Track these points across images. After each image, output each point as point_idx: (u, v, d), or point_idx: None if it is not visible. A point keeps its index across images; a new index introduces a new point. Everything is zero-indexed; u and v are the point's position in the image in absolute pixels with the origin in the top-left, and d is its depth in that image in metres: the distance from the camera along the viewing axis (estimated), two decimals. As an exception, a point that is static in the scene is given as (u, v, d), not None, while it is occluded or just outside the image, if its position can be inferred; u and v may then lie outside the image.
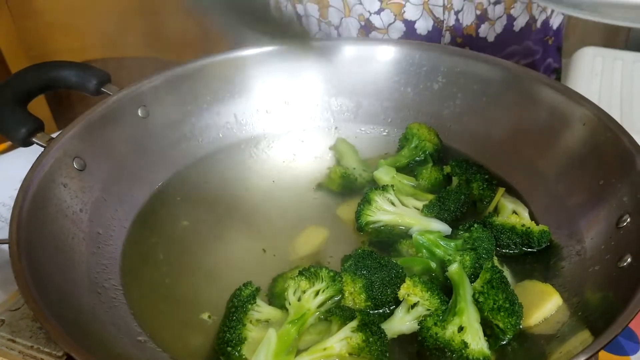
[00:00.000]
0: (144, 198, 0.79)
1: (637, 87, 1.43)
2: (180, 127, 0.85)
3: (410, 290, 0.61)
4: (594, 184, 0.70)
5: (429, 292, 0.61)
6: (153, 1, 1.50)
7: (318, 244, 0.73)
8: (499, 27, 1.04)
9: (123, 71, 0.87)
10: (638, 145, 0.67)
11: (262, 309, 0.63)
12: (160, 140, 0.83)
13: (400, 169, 0.82)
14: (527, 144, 0.80)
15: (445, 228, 0.71)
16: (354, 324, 0.59)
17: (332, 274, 0.64)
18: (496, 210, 0.75)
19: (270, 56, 0.88)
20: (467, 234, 0.67)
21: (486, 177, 0.77)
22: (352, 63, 0.90)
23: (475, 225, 0.68)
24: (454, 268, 0.63)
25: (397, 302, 0.63)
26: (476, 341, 0.57)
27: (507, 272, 0.68)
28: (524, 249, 0.70)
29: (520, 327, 0.61)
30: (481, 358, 0.57)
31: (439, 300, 0.61)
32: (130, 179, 0.78)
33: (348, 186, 0.80)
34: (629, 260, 0.59)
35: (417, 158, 0.83)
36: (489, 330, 0.60)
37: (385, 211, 0.73)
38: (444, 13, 0.99)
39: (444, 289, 0.64)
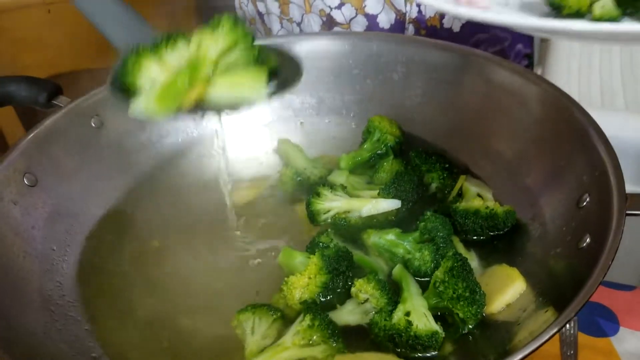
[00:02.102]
0: (101, 210, 0.77)
1: (615, 65, 1.43)
2: (136, 135, 0.84)
3: (362, 288, 0.61)
4: (555, 165, 0.69)
5: (379, 291, 0.60)
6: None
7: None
8: None
9: (94, 83, 0.86)
10: (595, 122, 0.66)
11: (183, 55, 0.59)
12: (117, 150, 0.81)
13: (362, 163, 0.82)
14: (488, 128, 0.79)
15: (394, 203, 0.71)
16: (300, 318, 0.59)
17: None
18: (461, 195, 0.74)
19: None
20: (422, 224, 0.66)
21: (446, 166, 0.75)
22: (310, 59, 0.88)
23: (428, 214, 0.67)
24: (395, 270, 0.65)
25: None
26: (422, 321, 0.57)
27: (474, 258, 0.67)
28: (490, 232, 0.69)
29: (482, 315, 0.60)
30: (429, 333, 0.57)
31: (386, 300, 0.60)
32: (86, 192, 0.76)
33: (303, 185, 0.80)
34: (588, 240, 0.58)
35: (379, 151, 0.82)
36: (451, 319, 0.60)
37: (334, 199, 0.73)
38: (405, 5, 0.97)
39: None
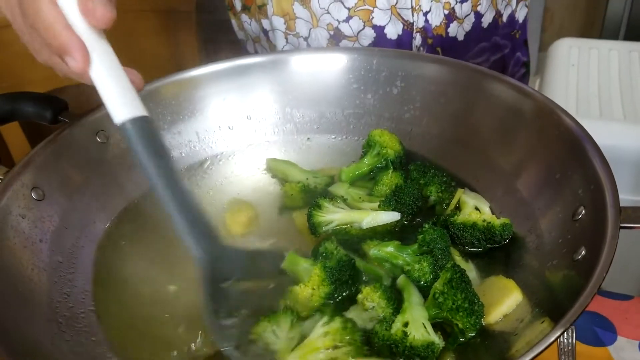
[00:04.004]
0: (107, 223, 0.78)
1: (614, 74, 1.44)
2: (141, 149, 0.85)
3: (368, 296, 0.62)
4: (551, 178, 0.70)
5: (385, 300, 0.62)
6: (126, 25, 1.50)
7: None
8: (467, 25, 1.04)
9: (98, 97, 0.87)
10: (591, 136, 0.67)
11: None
12: (122, 164, 0.82)
13: (362, 176, 0.83)
14: (485, 141, 0.80)
15: (394, 216, 0.73)
16: (325, 319, 0.61)
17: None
18: (458, 208, 0.75)
19: (226, 73, 0.88)
20: (421, 236, 0.68)
21: (444, 179, 0.77)
22: (310, 73, 0.91)
23: (426, 226, 0.68)
24: (399, 280, 0.66)
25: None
26: (420, 332, 0.59)
27: (472, 269, 0.68)
28: (487, 244, 0.70)
29: (481, 326, 0.61)
30: (425, 344, 0.58)
31: (391, 310, 0.62)
32: (92, 205, 0.78)
33: (310, 195, 0.81)
34: (583, 253, 0.59)
35: (379, 165, 0.83)
36: (450, 329, 0.61)
37: (335, 211, 0.74)
38: (412, 15, 0.99)
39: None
